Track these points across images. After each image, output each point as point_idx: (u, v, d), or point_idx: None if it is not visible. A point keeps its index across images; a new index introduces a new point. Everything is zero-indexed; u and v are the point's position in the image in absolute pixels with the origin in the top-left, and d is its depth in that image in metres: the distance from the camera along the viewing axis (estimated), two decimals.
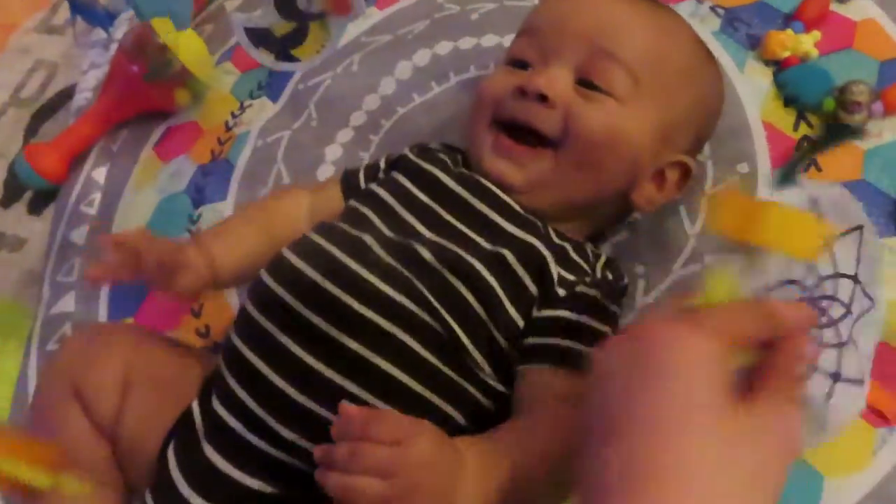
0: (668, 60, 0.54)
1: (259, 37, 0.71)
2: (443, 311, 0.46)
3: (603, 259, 0.55)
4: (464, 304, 0.47)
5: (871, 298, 0.37)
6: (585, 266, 0.52)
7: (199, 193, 0.78)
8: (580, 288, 0.50)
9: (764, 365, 0.32)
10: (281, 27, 0.70)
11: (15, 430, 0.55)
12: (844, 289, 0.36)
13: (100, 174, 0.85)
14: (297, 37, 0.72)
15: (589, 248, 0.55)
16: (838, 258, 0.37)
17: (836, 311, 0.36)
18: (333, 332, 0.45)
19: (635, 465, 0.27)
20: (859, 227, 0.36)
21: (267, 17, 0.63)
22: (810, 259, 0.34)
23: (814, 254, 0.34)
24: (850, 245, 0.37)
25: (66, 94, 0.97)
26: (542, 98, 0.52)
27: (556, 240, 0.52)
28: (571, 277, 0.50)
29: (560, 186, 0.53)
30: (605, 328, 0.50)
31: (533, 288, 0.49)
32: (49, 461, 0.45)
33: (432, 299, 0.46)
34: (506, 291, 0.48)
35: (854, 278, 0.36)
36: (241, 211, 0.68)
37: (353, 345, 0.45)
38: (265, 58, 0.61)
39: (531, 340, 0.48)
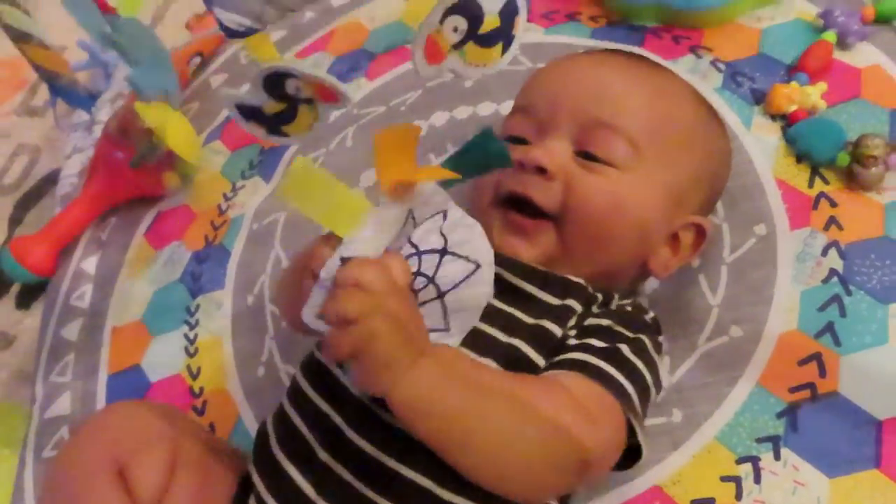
0: (667, 123, 0.53)
1: (249, 113, 0.71)
2: None
3: (628, 301, 0.53)
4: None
5: None
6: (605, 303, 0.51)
7: (196, 282, 0.75)
8: (588, 321, 0.49)
9: None
10: (271, 106, 0.70)
11: None
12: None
13: (89, 265, 0.82)
14: (287, 116, 0.71)
15: (616, 298, 0.53)
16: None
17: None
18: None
19: None
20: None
21: (256, 95, 0.64)
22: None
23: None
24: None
25: (51, 180, 0.94)
26: (541, 171, 0.51)
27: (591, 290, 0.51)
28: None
29: (572, 259, 0.51)
30: (610, 345, 0.47)
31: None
32: None
33: None
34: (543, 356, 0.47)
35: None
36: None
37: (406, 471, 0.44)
38: (257, 131, 0.61)
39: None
